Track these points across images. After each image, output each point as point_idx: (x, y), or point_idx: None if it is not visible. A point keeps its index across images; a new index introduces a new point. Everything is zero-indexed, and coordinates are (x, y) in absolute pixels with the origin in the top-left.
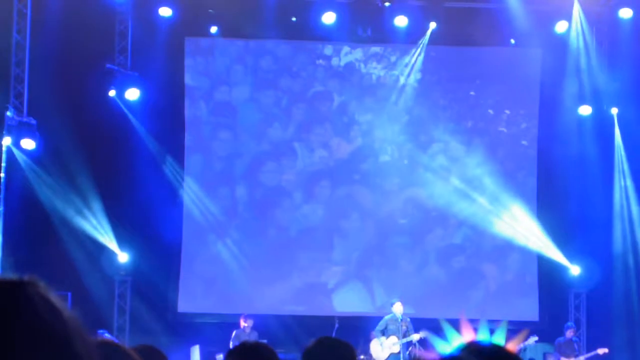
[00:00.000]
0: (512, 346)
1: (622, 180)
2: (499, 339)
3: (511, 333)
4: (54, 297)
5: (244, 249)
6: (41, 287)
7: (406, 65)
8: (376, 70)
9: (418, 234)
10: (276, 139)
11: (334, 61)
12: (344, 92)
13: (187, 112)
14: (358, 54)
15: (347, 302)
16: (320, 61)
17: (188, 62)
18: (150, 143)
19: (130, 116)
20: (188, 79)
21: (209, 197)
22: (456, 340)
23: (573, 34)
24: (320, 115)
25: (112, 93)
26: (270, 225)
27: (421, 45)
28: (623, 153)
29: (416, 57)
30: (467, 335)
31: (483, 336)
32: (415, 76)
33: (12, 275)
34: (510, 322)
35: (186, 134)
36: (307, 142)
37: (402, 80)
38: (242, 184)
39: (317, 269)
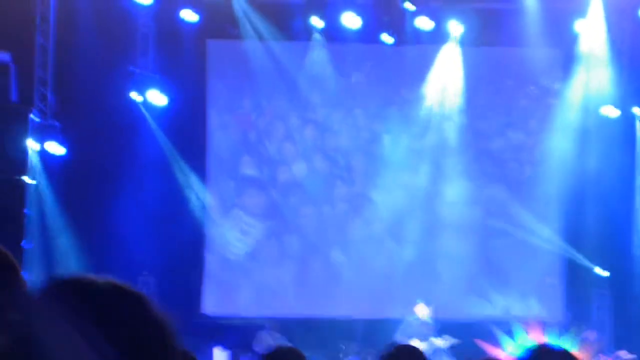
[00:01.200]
0: (584, 356)
1: None
2: (567, 344)
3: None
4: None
5: (269, 250)
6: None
7: (442, 71)
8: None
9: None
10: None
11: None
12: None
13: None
14: (386, 65)
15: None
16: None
17: (210, 64)
18: (171, 146)
19: (150, 119)
20: (210, 83)
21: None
22: (522, 340)
23: (593, 33)
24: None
25: (134, 95)
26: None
27: (451, 48)
28: None
29: (452, 61)
30: (535, 337)
31: (551, 340)
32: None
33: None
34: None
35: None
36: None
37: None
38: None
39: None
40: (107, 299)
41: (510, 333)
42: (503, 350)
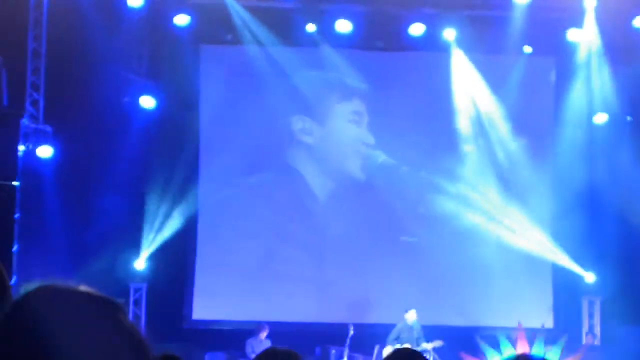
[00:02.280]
0: None
1: None
2: (553, 354)
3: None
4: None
5: (260, 255)
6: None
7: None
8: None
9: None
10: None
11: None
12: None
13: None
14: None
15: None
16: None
17: (203, 69)
18: (162, 151)
19: (141, 125)
20: (203, 88)
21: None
22: (508, 351)
23: (586, 41)
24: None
25: (126, 100)
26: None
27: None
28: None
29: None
30: (520, 348)
31: (537, 350)
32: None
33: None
34: (525, 329)
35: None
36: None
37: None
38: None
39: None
40: (80, 308)
41: (496, 344)
42: None
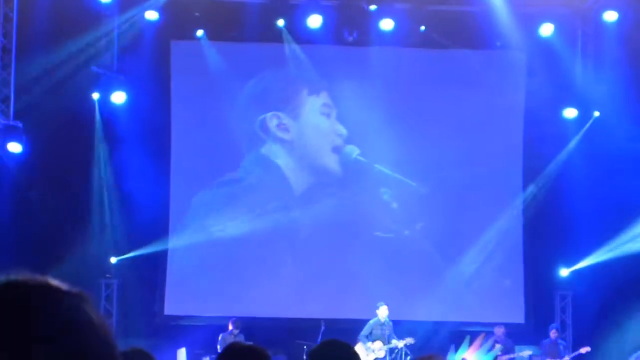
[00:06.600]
0: None
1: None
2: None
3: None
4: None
5: (233, 251)
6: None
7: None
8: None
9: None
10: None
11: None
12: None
13: (173, 119)
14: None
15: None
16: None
17: (174, 65)
18: (135, 147)
19: (112, 120)
20: (174, 84)
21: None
22: (462, 353)
23: (558, 36)
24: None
25: (95, 96)
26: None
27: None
28: None
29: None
30: (472, 350)
31: (480, 354)
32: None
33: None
34: (499, 324)
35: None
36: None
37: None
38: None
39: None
40: (41, 300)
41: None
42: None
